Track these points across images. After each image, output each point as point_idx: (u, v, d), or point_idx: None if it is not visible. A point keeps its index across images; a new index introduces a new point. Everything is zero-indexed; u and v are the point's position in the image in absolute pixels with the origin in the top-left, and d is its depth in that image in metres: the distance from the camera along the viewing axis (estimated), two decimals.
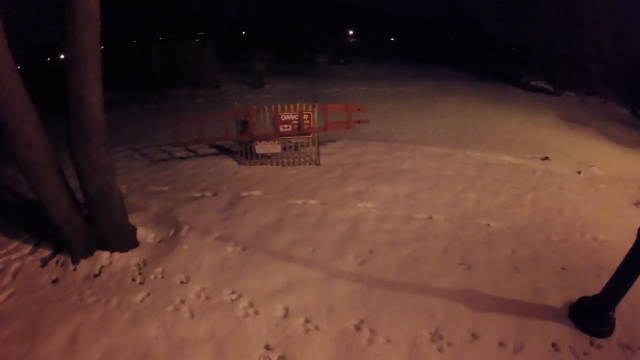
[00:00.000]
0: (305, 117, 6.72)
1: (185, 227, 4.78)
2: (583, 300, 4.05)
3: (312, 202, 5.55)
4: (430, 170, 6.97)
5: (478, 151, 8.41)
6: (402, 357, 3.20)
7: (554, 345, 3.53)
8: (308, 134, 6.86)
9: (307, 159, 7.02)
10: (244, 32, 23.71)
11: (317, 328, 3.42)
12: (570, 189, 7.40)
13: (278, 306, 3.64)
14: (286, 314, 3.56)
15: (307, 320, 3.50)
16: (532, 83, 19.10)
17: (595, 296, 3.91)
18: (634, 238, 3.53)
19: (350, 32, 30.50)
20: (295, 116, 6.71)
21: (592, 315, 3.86)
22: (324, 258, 4.30)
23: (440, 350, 3.29)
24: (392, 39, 32.82)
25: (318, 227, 4.89)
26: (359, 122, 7.13)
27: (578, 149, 10.59)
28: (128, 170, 6.78)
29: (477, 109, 13.28)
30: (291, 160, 6.99)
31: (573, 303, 4.09)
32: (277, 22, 23.26)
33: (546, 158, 8.77)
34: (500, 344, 3.40)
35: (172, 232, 4.70)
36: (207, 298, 3.72)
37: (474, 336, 3.44)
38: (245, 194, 5.73)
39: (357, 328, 3.45)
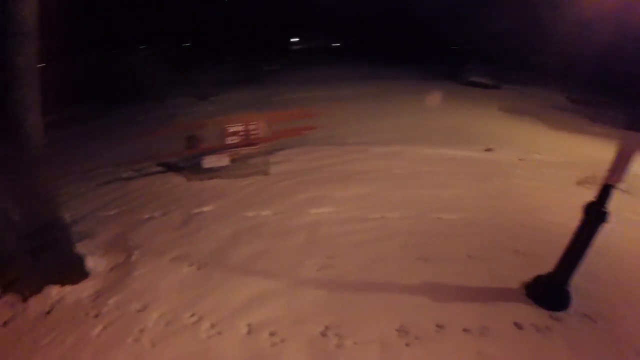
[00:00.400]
0: (253, 127, 6.74)
1: (137, 252, 4.64)
2: (538, 278, 4.28)
3: (266, 213, 5.55)
4: (381, 170, 7.15)
5: (427, 147, 8.73)
6: (373, 357, 3.25)
7: (516, 324, 3.70)
8: (256, 144, 6.88)
9: (257, 169, 7.01)
10: (188, 44, 23.27)
11: (283, 340, 3.41)
12: (517, 176, 7.83)
13: (241, 323, 3.59)
14: (250, 331, 3.52)
15: (272, 334, 3.47)
16: (472, 79, 20.07)
17: (549, 273, 4.15)
18: (580, 216, 3.82)
19: (296, 39, 30.83)
20: (242, 127, 6.71)
21: (548, 291, 4.09)
22: (284, 268, 4.30)
23: (408, 345, 3.36)
24: (338, 44, 33.46)
25: (274, 237, 4.89)
26: (306, 128, 7.23)
27: (520, 137, 11.21)
28: (72, 195, 6.50)
29: (423, 107, 13.78)
30: (241, 172, 6.96)
31: (529, 282, 4.32)
32: (221, 32, 23.12)
33: (490, 149, 9.24)
34: (465, 330, 3.53)
35: (123, 258, 4.55)
36: (167, 324, 3.61)
37: (439, 326, 3.55)
38: (196, 210, 5.64)
39: (324, 334, 3.46)
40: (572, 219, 6.15)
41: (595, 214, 3.65)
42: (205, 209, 5.72)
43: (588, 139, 13.13)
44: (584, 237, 3.75)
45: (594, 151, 11.23)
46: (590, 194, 7.37)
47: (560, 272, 4.03)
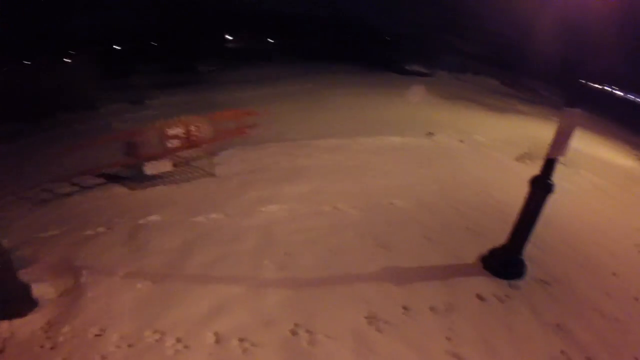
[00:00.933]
0: (193, 129, 6.57)
1: (86, 273, 4.35)
2: (494, 250, 4.54)
3: (216, 216, 5.43)
4: (329, 164, 7.25)
5: (371, 137, 8.94)
6: (347, 347, 3.29)
7: (478, 296, 3.91)
8: (198, 146, 6.73)
9: (202, 172, 6.86)
10: (119, 47, 21.96)
11: (254, 345, 3.37)
12: (459, 156, 8.24)
13: (208, 333, 3.50)
14: (219, 340, 3.44)
15: (242, 340, 3.42)
16: (408, 68, 20.80)
17: (503, 245, 4.42)
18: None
19: (231, 37, 30.27)
20: (182, 130, 6.52)
21: (504, 261, 4.36)
22: (244, 271, 4.25)
23: (379, 330, 3.44)
24: (273, 40, 33.30)
25: (229, 241, 4.81)
26: (249, 127, 7.18)
27: (458, 121, 11.76)
28: (8, 219, 5.98)
29: (363, 99, 14.05)
30: (185, 177, 6.78)
31: (485, 255, 4.58)
32: (154, 33, 22.16)
33: (431, 133, 9.64)
34: (432, 309, 3.68)
35: (72, 282, 4.26)
36: (130, 346, 3.44)
37: (406, 308, 3.67)
38: (143, 221, 5.40)
39: (294, 333, 3.46)
40: (516, 193, 6.53)
41: (541, 186, 3.93)
42: (151, 219, 5.50)
43: (520, 118, 14.09)
44: (533, 208, 4.03)
45: (527, 129, 12.06)
46: (528, 169, 8.01)
47: (513, 243, 4.30)
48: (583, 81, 4.50)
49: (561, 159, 3.77)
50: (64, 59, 14.53)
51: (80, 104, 13.72)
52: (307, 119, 11.14)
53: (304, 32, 29.64)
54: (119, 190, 6.48)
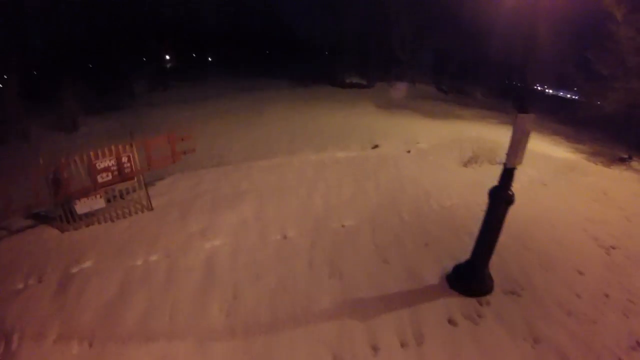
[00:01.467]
0: (125, 159, 5.86)
1: (16, 337, 3.65)
2: (457, 267, 4.23)
3: (154, 257, 4.81)
4: (270, 184, 6.78)
5: (312, 153, 8.58)
6: None
7: (450, 321, 3.56)
8: (132, 177, 6.01)
9: (138, 205, 6.14)
10: (45, 66, 19.87)
11: None
12: (405, 167, 8.01)
13: None
14: None
15: None
16: (347, 80, 20.86)
17: (467, 261, 4.12)
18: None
19: (167, 57, 29.11)
20: (113, 161, 5.80)
21: (470, 278, 4.05)
22: (187, 321, 3.67)
23: None
24: (209, 59, 32.45)
25: (168, 286, 4.21)
26: (184, 152, 6.58)
27: (401, 130, 11.68)
28: None
29: (302, 113, 13.76)
30: (120, 212, 6.03)
31: (449, 273, 4.26)
32: (84, 51, 20.47)
33: (376, 146, 9.42)
34: (403, 345, 3.27)
35: (2, 348, 3.54)
36: None
37: (375, 348, 3.25)
38: (75, 269, 4.69)
39: None
40: (467, 198, 6.44)
41: (501, 198, 3.68)
42: (84, 265, 4.78)
43: (460, 122, 14.29)
44: (495, 220, 3.75)
45: (469, 132, 12.17)
46: (475, 173, 7.87)
47: (478, 258, 4.01)
48: (533, 86, 4.34)
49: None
50: None
51: (12, 132, 12.35)
52: (247, 137, 10.65)
53: (243, 49, 29.28)
54: (49, 232, 5.72)
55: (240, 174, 7.26)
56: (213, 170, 7.53)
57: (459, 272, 4.18)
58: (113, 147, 5.84)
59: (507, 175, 3.66)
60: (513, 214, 5.23)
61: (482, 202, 6.18)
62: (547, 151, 11.05)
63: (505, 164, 3.62)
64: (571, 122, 15.61)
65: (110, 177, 5.87)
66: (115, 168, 5.86)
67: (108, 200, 6.05)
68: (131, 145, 5.96)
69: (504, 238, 4.58)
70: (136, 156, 6.00)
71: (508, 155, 3.56)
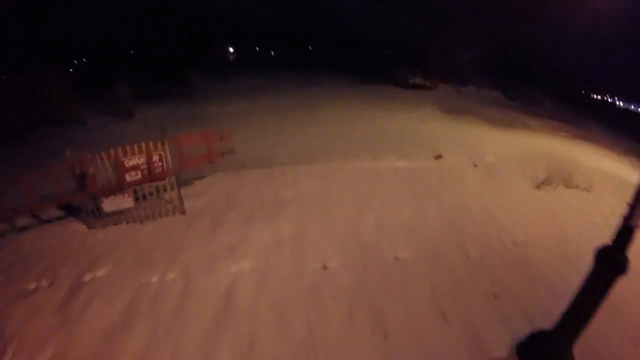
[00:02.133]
0: (156, 158, 5.26)
1: (11, 349, 3.25)
2: (534, 338, 3.20)
3: (171, 275, 4.14)
4: (318, 195, 5.92)
5: (368, 160, 7.62)
6: None
7: None
8: (163, 178, 5.38)
9: (169, 207, 5.52)
10: (104, 55, 20.26)
11: None
12: (472, 184, 6.88)
13: None
14: None
15: None
16: (410, 81, 19.50)
17: (548, 332, 3.08)
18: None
19: (230, 49, 29.08)
20: (142, 159, 5.22)
21: (549, 355, 3.02)
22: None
23: None
24: (272, 53, 32.13)
25: (178, 316, 3.52)
26: (223, 154, 5.87)
27: (466, 139, 10.43)
28: None
29: (361, 113, 12.78)
30: (150, 213, 5.44)
31: (521, 342, 3.23)
32: (142, 40, 20.61)
33: (439, 156, 8.28)
34: None
35: None
36: None
37: None
38: (88, 277, 4.18)
39: None
40: (544, 234, 5.24)
41: (611, 264, 2.60)
42: (98, 273, 4.25)
43: (530, 134, 12.73)
44: (597, 291, 2.69)
45: (540, 146, 10.69)
46: (551, 198, 6.59)
47: (563, 332, 2.95)
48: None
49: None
50: (42, 71, 13.19)
51: (69, 117, 12.47)
52: (301, 134, 9.84)
53: (305, 44, 28.63)
54: (76, 226, 5.35)
55: (286, 179, 6.46)
56: (258, 171, 6.79)
57: (535, 344, 3.15)
58: (144, 145, 5.21)
59: (625, 234, 2.59)
60: (620, 290, 4.02)
61: (561, 239, 5.07)
62: (627, 176, 9.48)
63: (624, 220, 2.54)
64: None
65: (139, 175, 5.27)
66: (145, 167, 5.25)
67: (137, 199, 5.44)
68: (163, 143, 5.30)
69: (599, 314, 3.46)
70: (168, 155, 5.34)
71: (631, 208, 2.48)
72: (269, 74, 22.28)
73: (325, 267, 4.18)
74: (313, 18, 29.35)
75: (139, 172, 5.28)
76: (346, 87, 18.30)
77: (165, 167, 5.40)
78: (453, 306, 3.64)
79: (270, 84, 18.41)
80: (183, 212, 5.50)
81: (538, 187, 7.54)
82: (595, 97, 26.76)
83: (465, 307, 3.64)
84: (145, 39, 20.66)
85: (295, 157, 7.64)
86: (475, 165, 7.96)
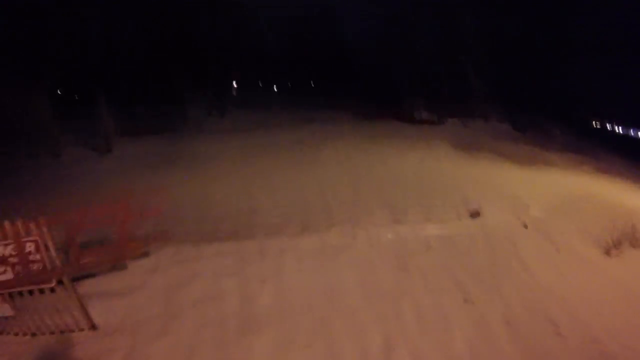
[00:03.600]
0: (30, 247, 2.95)
1: None
2: None
3: None
4: (313, 300, 3.50)
5: (386, 222, 5.26)
6: None
7: None
8: (47, 280, 3.04)
9: (71, 319, 3.16)
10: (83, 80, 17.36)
11: None
12: (536, 262, 4.52)
13: None
14: None
15: None
16: (416, 117, 17.30)
17: None
18: None
19: (234, 84, 27.03)
20: (10, 249, 2.91)
21: None
22: None
23: None
24: (275, 88, 30.25)
25: None
26: (141, 245, 3.54)
27: (492, 181, 8.08)
28: None
29: (368, 152, 10.48)
30: (44, 325, 3.09)
31: None
32: (130, 65, 18.00)
33: (477, 214, 5.87)
34: None
35: None
36: None
37: None
38: None
39: None
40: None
41: None
42: None
43: (554, 171, 10.43)
44: None
45: (578, 189, 8.37)
46: (625, 268, 4.87)
47: None
48: None
49: None
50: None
51: (45, 147, 10.21)
52: (297, 179, 7.50)
53: (305, 78, 26.69)
54: None
55: (265, 267, 3.98)
56: (227, 247, 4.28)
57: None
58: (7, 225, 2.94)
59: None
60: None
61: None
62: None
63: None
64: None
65: (10, 273, 2.96)
66: (15, 260, 2.95)
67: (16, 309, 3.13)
68: (37, 225, 3.02)
69: None
70: (50, 244, 3.03)
71: None
72: (272, 109, 20.17)
73: None
74: (315, 49, 27.43)
75: (9, 268, 2.99)
76: (350, 124, 15.99)
77: (46, 263, 3.07)
78: None
79: (271, 120, 16.18)
80: (92, 327, 3.15)
81: (608, 252, 5.23)
82: (599, 124, 24.63)
83: None
84: (140, 61, 18.16)
85: (285, 218, 5.23)
86: (526, 226, 5.59)
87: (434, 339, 3.01)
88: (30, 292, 3.06)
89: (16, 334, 3.09)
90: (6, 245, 2.88)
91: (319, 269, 3.95)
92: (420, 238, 4.74)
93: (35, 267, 2.94)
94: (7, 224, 2.86)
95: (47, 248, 2.96)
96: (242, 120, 15.53)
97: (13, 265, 2.93)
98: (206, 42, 20.61)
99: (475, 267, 4.15)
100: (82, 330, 3.12)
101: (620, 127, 24.51)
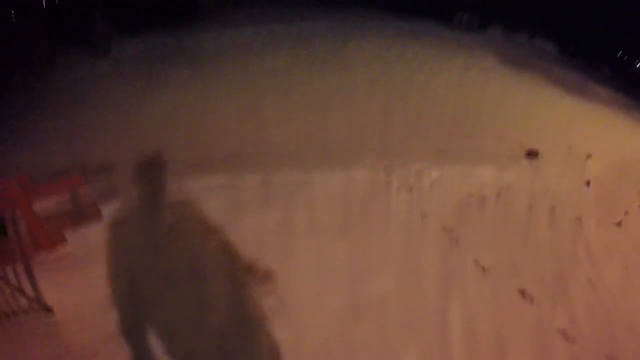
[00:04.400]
0: None
1: None
2: None
3: None
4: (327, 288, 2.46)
5: (428, 154, 4.03)
6: None
7: None
8: None
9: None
10: None
11: None
12: (599, 246, 3.42)
13: None
14: None
15: None
16: (456, 19, 14.58)
17: None
18: None
19: None
20: None
21: None
22: None
23: None
24: None
25: None
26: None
27: (546, 114, 6.62)
28: None
29: (401, 55, 8.74)
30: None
31: None
32: None
33: (533, 153, 4.59)
34: None
35: None
36: None
37: None
38: None
39: None
40: None
41: None
42: None
43: (602, 110, 8.86)
44: None
45: (631, 137, 7.01)
46: None
47: None
48: None
49: None
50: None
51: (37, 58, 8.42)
52: (316, 92, 5.99)
53: None
54: None
55: (265, 220, 2.79)
56: (216, 184, 3.06)
57: None
58: None
59: None
60: None
61: None
62: None
63: None
64: None
65: None
66: None
67: None
68: None
69: None
70: None
71: None
72: None
73: None
74: None
75: None
76: (379, 19, 13.32)
77: None
78: None
79: (292, 6, 13.48)
80: (46, 308, 2.23)
81: None
82: None
83: None
84: None
85: (299, 150, 3.89)
86: (588, 184, 4.40)
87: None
88: None
89: None
90: None
91: (336, 242, 2.76)
92: (472, 184, 3.55)
93: None
94: None
95: None
96: (258, 12, 12.86)
97: None
98: None
99: (538, 253, 3.04)
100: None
101: None
